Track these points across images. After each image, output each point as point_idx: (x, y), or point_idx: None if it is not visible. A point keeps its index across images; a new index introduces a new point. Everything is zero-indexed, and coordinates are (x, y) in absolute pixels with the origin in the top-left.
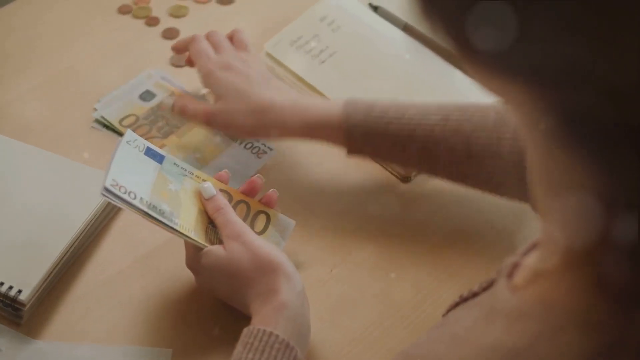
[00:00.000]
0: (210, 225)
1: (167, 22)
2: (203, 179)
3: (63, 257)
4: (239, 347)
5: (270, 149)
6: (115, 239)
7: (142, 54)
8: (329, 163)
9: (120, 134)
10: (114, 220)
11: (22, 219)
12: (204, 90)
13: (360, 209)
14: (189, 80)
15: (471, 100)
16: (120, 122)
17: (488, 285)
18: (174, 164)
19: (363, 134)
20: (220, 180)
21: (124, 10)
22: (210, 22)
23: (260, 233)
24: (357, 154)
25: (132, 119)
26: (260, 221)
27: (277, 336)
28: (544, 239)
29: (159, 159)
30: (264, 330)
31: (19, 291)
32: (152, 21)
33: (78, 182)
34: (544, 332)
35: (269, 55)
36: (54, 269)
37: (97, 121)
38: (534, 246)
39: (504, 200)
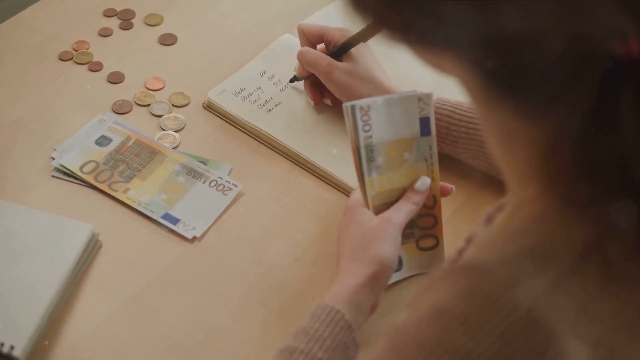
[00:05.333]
0: (392, 204)
1: (111, 67)
2: (434, 177)
3: (50, 307)
4: (306, 317)
5: (235, 186)
6: (95, 286)
7: (90, 100)
8: (292, 195)
9: (83, 182)
10: (91, 267)
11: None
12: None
13: (329, 237)
14: (139, 123)
15: None
16: (80, 169)
17: (456, 257)
18: (429, 146)
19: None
20: (444, 189)
21: (64, 57)
22: (153, 63)
23: (418, 248)
24: None
25: (92, 165)
26: (428, 242)
27: (343, 314)
28: (512, 180)
29: (425, 132)
30: (333, 307)
31: (12, 347)
32: (95, 66)
33: (51, 231)
34: (541, 235)
35: (211, 102)
36: (43, 321)
37: (57, 170)
38: (502, 205)
39: None
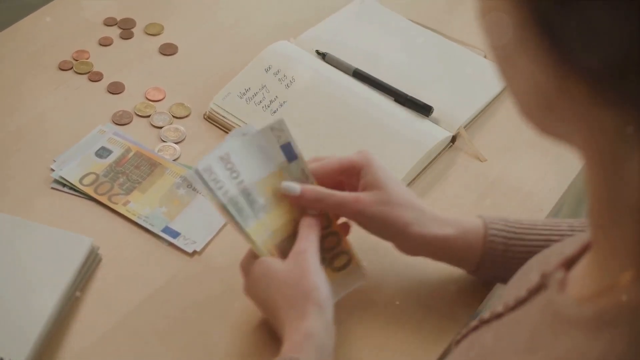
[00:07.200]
0: (292, 237)
1: (111, 77)
2: None
3: (49, 322)
4: None
5: None
6: (94, 300)
7: (90, 110)
8: None
9: (83, 194)
10: (90, 281)
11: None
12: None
13: None
14: (139, 134)
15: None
16: (80, 181)
17: (516, 305)
18: (301, 169)
19: (503, 250)
20: (345, 227)
21: (64, 66)
22: (154, 73)
23: (334, 271)
24: (483, 275)
25: (92, 177)
26: (340, 260)
27: None
28: (607, 253)
29: (291, 157)
30: (291, 357)
31: None
32: (95, 76)
33: (50, 245)
34: (634, 335)
35: (217, 107)
36: (42, 336)
37: (57, 181)
38: (571, 260)
39: None
